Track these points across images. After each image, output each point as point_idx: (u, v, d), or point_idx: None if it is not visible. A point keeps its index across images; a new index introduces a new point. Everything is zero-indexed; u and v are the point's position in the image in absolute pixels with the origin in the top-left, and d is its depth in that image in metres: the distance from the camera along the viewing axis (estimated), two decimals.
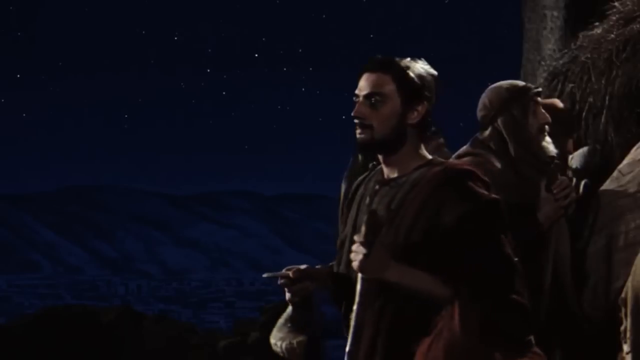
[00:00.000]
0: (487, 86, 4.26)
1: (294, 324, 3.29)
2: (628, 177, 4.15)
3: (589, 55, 5.59)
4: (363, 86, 3.17)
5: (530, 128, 4.10)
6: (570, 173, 4.53)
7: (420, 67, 3.19)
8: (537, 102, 4.14)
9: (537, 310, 3.98)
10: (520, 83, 4.25)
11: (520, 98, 4.12)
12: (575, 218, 4.18)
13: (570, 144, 4.70)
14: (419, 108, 3.16)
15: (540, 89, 4.29)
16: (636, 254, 3.71)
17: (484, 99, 4.18)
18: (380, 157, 3.23)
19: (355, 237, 3.06)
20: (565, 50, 6.18)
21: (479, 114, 4.19)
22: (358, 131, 3.17)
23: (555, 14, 7.09)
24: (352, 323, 3.06)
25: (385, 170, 3.22)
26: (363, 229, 3.03)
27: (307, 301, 3.29)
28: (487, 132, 4.14)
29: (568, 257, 4.10)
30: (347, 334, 3.16)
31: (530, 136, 4.09)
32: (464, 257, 3.00)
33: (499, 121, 4.11)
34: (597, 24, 5.87)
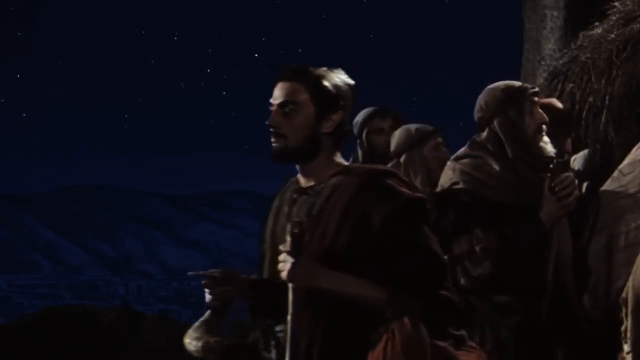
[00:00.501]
0: (487, 86, 4.26)
1: (209, 327, 3.24)
2: (629, 177, 4.14)
3: (589, 55, 5.59)
4: (277, 95, 3.17)
5: (527, 128, 4.09)
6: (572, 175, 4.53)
7: (335, 76, 3.18)
8: (533, 102, 4.13)
9: (538, 310, 3.99)
10: (517, 83, 4.24)
11: (516, 99, 4.11)
12: (576, 218, 4.17)
13: (568, 143, 4.70)
14: (334, 117, 3.15)
15: (537, 89, 4.28)
16: (637, 254, 3.70)
17: (480, 100, 4.17)
18: (297, 166, 3.22)
19: (281, 247, 3.05)
20: (566, 50, 6.19)
21: (476, 115, 4.18)
22: (272, 140, 3.16)
23: (555, 13, 7.09)
24: (289, 334, 3.03)
25: (302, 179, 3.22)
26: (288, 239, 3.02)
27: (225, 306, 3.25)
28: (484, 134, 4.13)
29: (570, 256, 4.10)
30: (271, 347, 3.19)
31: (527, 137, 4.08)
32: (392, 257, 3.00)
33: (495, 123, 4.10)
34: (597, 23, 5.87)
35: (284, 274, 3.02)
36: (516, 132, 4.07)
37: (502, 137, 4.07)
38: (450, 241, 3.99)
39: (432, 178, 4.92)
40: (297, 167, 3.22)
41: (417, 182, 4.99)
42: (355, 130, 5.52)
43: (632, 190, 4.09)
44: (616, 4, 5.83)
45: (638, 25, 5.48)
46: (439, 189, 4.19)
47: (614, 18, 5.72)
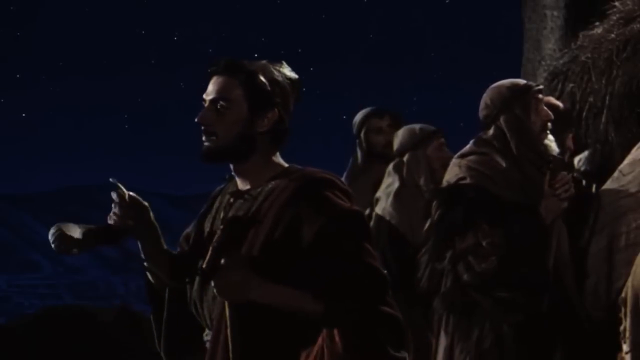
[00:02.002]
0: (488, 86, 4.27)
1: (88, 231, 2.98)
2: (629, 177, 4.14)
3: (589, 55, 5.59)
4: (210, 90, 2.95)
5: (532, 126, 4.11)
6: (579, 175, 4.54)
7: (274, 70, 2.95)
8: (538, 100, 4.15)
9: (540, 307, 3.98)
10: (522, 81, 4.27)
11: (522, 96, 4.13)
12: (576, 218, 4.18)
13: (569, 140, 4.72)
14: (269, 115, 2.91)
15: (541, 86, 4.31)
16: (637, 254, 3.71)
17: (485, 98, 4.18)
18: (231, 166, 3.01)
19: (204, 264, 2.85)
20: (566, 50, 6.19)
21: (481, 113, 4.19)
22: (203, 138, 2.95)
23: (556, 13, 7.09)
24: (231, 352, 2.85)
25: (239, 181, 2.98)
26: (209, 252, 2.83)
27: (118, 234, 3.00)
28: (490, 132, 4.14)
29: (567, 256, 4.10)
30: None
31: (533, 134, 4.10)
32: (327, 271, 2.78)
33: (502, 120, 4.11)
34: (597, 23, 5.87)
35: (216, 290, 2.82)
36: (522, 129, 4.08)
37: (507, 134, 4.09)
38: (458, 236, 4.00)
39: (434, 178, 4.94)
40: (232, 167, 3.00)
41: (421, 182, 5.01)
42: (354, 130, 5.54)
43: (632, 190, 4.09)
44: (616, 3, 5.83)
45: (638, 25, 5.48)
46: (444, 184, 4.19)
47: (614, 18, 5.72)
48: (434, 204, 4.13)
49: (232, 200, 2.99)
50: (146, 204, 3.02)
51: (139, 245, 3.08)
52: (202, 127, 2.94)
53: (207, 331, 3.06)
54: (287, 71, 2.99)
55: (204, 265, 2.86)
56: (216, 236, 2.87)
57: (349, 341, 2.75)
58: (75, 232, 2.99)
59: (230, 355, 2.84)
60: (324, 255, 2.79)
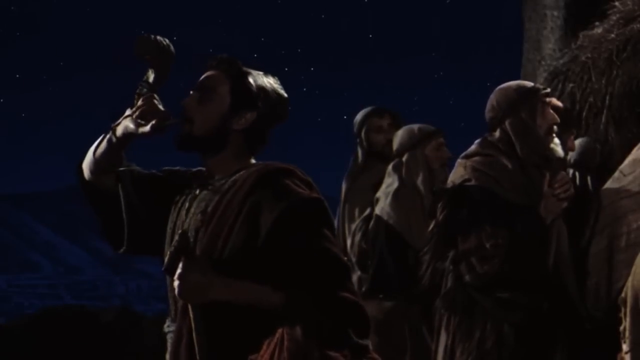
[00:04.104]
0: (488, 87, 4.26)
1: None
2: (630, 178, 4.14)
3: (589, 55, 5.60)
4: (200, 80, 3.06)
5: (538, 129, 4.09)
6: (571, 171, 4.54)
7: (266, 80, 3.04)
8: (545, 103, 4.13)
9: (541, 306, 3.98)
10: (529, 84, 4.25)
11: (528, 99, 4.11)
12: (576, 218, 4.18)
13: (571, 140, 4.72)
14: (247, 115, 2.97)
15: (549, 90, 4.28)
16: (638, 255, 3.70)
17: (492, 99, 4.17)
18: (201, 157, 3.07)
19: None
20: (566, 50, 6.20)
21: (487, 115, 4.18)
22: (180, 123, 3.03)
23: (556, 13, 7.10)
24: (196, 346, 2.85)
25: (207, 173, 3.05)
26: (168, 254, 2.86)
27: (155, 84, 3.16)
28: (496, 134, 4.13)
29: (568, 257, 4.10)
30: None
31: (539, 137, 4.08)
32: (287, 260, 2.81)
33: (507, 123, 4.10)
34: (597, 23, 5.88)
35: (176, 292, 2.84)
36: (528, 132, 4.07)
37: (513, 137, 4.07)
38: (461, 237, 3.99)
39: (433, 177, 4.95)
40: (202, 158, 3.07)
41: (419, 181, 5.02)
42: (354, 130, 5.55)
43: (633, 191, 4.09)
44: (616, 3, 5.84)
45: (638, 25, 5.49)
46: (449, 185, 4.19)
47: (614, 18, 5.73)
48: (439, 204, 4.13)
49: (197, 191, 3.04)
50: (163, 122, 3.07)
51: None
52: (181, 112, 3.03)
53: (167, 322, 3.08)
54: (278, 87, 3.06)
55: (163, 268, 2.89)
56: (175, 240, 2.89)
57: (308, 326, 2.77)
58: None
59: (196, 348, 2.86)
60: (283, 243, 2.82)
